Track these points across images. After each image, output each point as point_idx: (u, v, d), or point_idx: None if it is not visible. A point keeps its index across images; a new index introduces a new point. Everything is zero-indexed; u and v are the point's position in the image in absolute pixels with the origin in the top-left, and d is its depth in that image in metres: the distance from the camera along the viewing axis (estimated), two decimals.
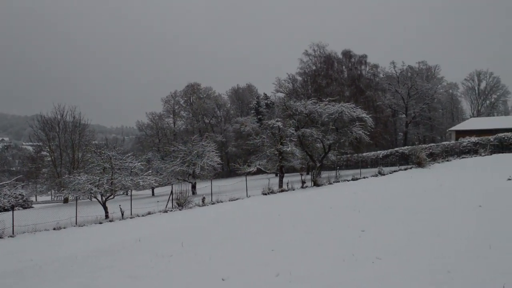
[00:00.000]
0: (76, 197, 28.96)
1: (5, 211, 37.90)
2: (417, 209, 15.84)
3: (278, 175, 39.86)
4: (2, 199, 43.51)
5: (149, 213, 27.14)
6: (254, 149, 42.81)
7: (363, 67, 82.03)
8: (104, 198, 28.44)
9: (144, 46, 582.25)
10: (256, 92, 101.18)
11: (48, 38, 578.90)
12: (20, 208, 43.82)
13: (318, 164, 39.31)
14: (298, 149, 38.66)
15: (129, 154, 37.88)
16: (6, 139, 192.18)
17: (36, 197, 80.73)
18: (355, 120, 39.18)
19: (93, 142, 69.09)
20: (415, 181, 28.66)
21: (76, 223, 24.71)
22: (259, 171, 42.85)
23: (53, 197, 76.96)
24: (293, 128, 38.29)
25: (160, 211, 27.67)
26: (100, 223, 24.96)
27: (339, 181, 35.62)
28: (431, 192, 21.09)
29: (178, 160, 46.70)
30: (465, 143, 46.85)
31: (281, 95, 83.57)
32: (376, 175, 37.18)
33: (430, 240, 10.51)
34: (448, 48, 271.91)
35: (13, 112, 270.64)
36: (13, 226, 22.27)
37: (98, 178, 28.49)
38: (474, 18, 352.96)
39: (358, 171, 41.30)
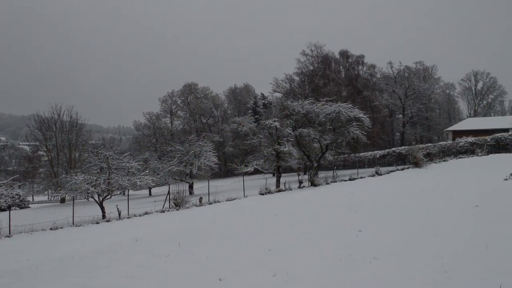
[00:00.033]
0: (73, 197, 28.90)
1: (1, 211, 37.86)
2: (414, 209, 15.86)
3: (276, 175, 39.89)
4: None
5: (146, 213, 27.11)
6: (251, 149, 42.80)
7: (360, 67, 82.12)
8: (101, 198, 28.40)
9: (144, 46, 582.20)
10: (254, 92, 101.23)
11: (48, 38, 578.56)
12: (17, 208, 43.78)
13: (316, 164, 39.31)
14: (295, 149, 38.68)
15: (126, 154, 37.81)
16: (3, 138, 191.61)
17: (33, 197, 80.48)
18: (352, 120, 39.19)
19: (90, 142, 69.01)
20: (412, 181, 28.70)
21: (73, 223, 24.69)
22: (256, 171, 42.85)
23: (50, 197, 76.84)
24: (290, 128, 38.30)
25: (157, 211, 27.64)
26: (97, 223, 24.93)
27: (336, 181, 35.64)
28: (428, 192, 21.12)
29: (175, 160, 46.66)
30: (462, 143, 46.93)
31: (279, 95, 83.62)
32: (373, 175, 37.22)
33: (427, 240, 10.52)
34: (445, 49, 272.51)
35: (10, 111, 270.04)
36: (9, 226, 22.25)
37: (95, 178, 28.46)
38: (470, 19, 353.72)
39: (355, 171, 41.35)
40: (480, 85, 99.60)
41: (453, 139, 55.16)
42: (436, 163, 41.93)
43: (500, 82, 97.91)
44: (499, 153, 42.24)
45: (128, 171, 32.74)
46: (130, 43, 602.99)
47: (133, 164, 34.10)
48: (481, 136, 47.46)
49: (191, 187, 46.48)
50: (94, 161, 33.65)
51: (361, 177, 36.49)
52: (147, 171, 39.76)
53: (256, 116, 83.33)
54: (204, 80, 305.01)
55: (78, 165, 55.28)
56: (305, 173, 44.80)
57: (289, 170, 52.10)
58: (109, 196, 29.48)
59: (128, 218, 26.03)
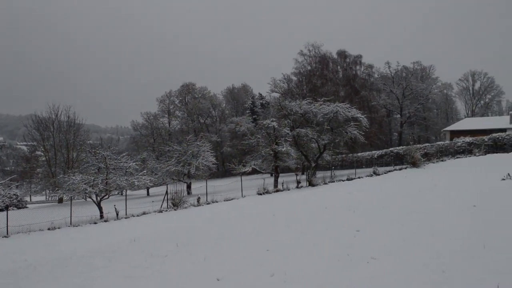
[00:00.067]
0: (71, 197, 28.88)
1: None
2: (412, 209, 15.88)
3: (273, 175, 39.88)
4: None
5: (144, 213, 27.08)
6: (249, 149, 42.79)
7: (358, 67, 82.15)
8: (99, 198, 28.36)
9: (144, 46, 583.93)
10: (251, 92, 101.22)
11: (48, 38, 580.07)
12: (15, 208, 43.70)
13: (313, 164, 39.31)
14: (293, 149, 38.68)
15: (124, 154, 37.80)
16: (1, 138, 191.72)
17: (30, 197, 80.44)
18: (350, 120, 39.19)
19: (88, 142, 68.96)
20: (409, 181, 28.72)
21: (70, 223, 24.64)
22: (254, 171, 42.85)
23: (47, 197, 76.79)
24: (288, 128, 38.28)
25: (155, 211, 27.62)
26: (95, 223, 24.90)
27: (334, 181, 35.65)
28: (426, 192, 21.14)
29: (173, 160, 46.67)
30: (459, 143, 46.98)
31: (276, 95, 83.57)
32: (371, 175, 37.24)
33: (424, 240, 10.53)
34: (442, 49, 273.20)
35: (7, 111, 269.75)
36: (7, 226, 22.20)
37: (92, 178, 28.41)
38: (467, 19, 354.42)
39: (353, 171, 41.37)
40: (477, 85, 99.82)
41: (451, 139, 55.18)
42: (433, 163, 41.97)
43: (498, 82, 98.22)
44: (496, 153, 42.29)
45: (126, 171, 32.72)
46: (130, 43, 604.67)
47: (131, 164, 34.07)
48: (479, 136, 47.51)
49: (189, 187, 46.47)
50: (92, 161, 33.63)
51: (359, 177, 36.51)
52: (145, 171, 39.75)
53: (254, 116, 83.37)
54: (204, 80, 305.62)
55: (75, 165, 55.20)
56: (303, 173, 44.79)
57: (287, 170, 52.14)
58: (107, 196, 29.44)
59: (126, 218, 26.00)
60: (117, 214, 26.35)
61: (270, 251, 10.82)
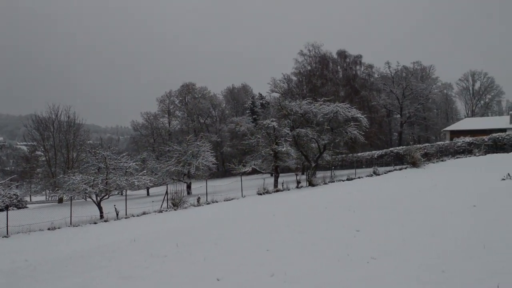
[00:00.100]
0: (71, 197, 28.91)
1: None
2: (412, 209, 15.88)
3: (273, 175, 39.89)
4: None
5: (144, 213, 27.10)
6: (249, 149, 42.77)
7: (358, 67, 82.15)
8: (98, 198, 28.37)
9: (144, 46, 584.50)
10: (251, 92, 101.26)
11: (48, 38, 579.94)
12: (15, 208, 43.69)
13: (313, 164, 39.32)
14: (293, 149, 38.69)
15: (124, 154, 37.87)
16: (1, 138, 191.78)
17: (30, 197, 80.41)
18: (350, 120, 39.20)
19: (88, 142, 68.96)
20: (409, 181, 28.73)
21: (70, 223, 24.66)
22: (254, 171, 42.86)
23: (47, 197, 76.77)
24: (288, 128, 38.29)
25: (155, 211, 27.63)
26: (95, 223, 24.92)
27: (334, 181, 35.66)
28: (426, 192, 21.14)
29: (173, 160, 46.68)
30: (459, 143, 46.97)
31: (276, 95, 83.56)
32: (371, 175, 37.24)
33: (424, 240, 10.53)
34: (442, 49, 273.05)
35: (7, 111, 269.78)
36: (7, 226, 22.22)
37: (92, 178, 28.43)
38: (468, 19, 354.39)
39: (353, 171, 41.37)
40: (477, 85, 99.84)
41: (451, 139, 55.18)
42: (433, 163, 41.97)
43: (498, 82, 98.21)
44: (496, 153, 42.29)
45: (126, 171, 32.75)
46: (130, 43, 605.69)
47: (131, 164, 34.12)
48: (479, 136, 47.52)
49: (189, 187, 46.48)
50: (92, 161, 33.66)
51: (359, 177, 36.51)
52: (145, 171, 39.79)
53: (254, 116, 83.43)
54: (204, 80, 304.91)
55: (75, 165, 55.21)
56: (303, 173, 44.80)
57: (287, 170, 52.14)
58: (107, 196, 29.45)
59: (126, 218, 26.02)
60: (117, 214, 26.37)
61: (270, 251, 10.82)
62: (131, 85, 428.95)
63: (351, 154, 52.96)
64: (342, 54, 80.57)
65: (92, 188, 27.74)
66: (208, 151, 48.28)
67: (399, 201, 18.74)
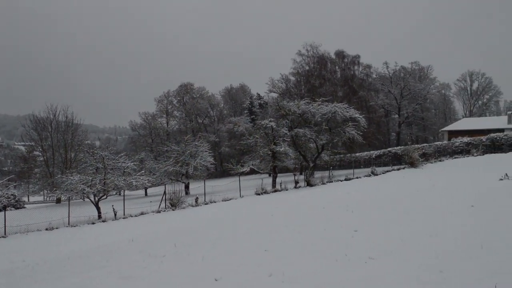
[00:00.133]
0: (69, 197, 28.88)
1: None
2: (410, 209, 15.88)
3: (272, 175, 39.88)
4: None
5: (142, 213, 27.08)
6: (247, 149, 42.77)
7: (356, 67, 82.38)
8: (96, 198, 28.35)
9: (144, 46, 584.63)
10: (250, 92, 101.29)
11: (48, 38, 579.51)
12: (12, 208, 43.64)
13: (311, 164, 39.34)
14: (291, 149, 38.70)
15: (122, 154, 37.86)
16: None
17: (28, 197, 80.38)
18: (348, 120, 39.23)
19: (86, 142, 68.91)
20: (408, 181, 28.75)
21: (68, 224, 24.63)
22: (252, 171, 42.87)
23: (45, 197, 76.65)
24: (286, 128, 38.30)
25: (153, 212, 27.61)
26: (93, 223, 24.89)
27: (332, 181, 35.67)
28: (424, 192, 21.15)
29: (171, 160, 46.65)
30: (457, 143, 47.04)
31: (275, 95, 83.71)
32: (369, 175, 37.26)
33: (422, 240, 10.53)
34: (440, 49, 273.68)
35: (5, 111, 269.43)
36: (5, 227, 22.17)
37: (90, 178, 28.41)
38: (466, 19, 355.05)
39: (351, 171, 41.39)
40: (475, 85, 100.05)
41: (449, 139, 55.29)
42: (431, 163, 42.02)
43: (496, 82, 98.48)
44: (494, 153, 42.35)
45: (124, 171, 32.74)
46: (130, 43, 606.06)
47: (128, 164, 34.12)
48: (477, 136, 47.60)
49: (187, 187, 46.47)
50: (90, 161, 33.61)
51: (357, 177, 36.53)
52: (143, 171, 39.78)
53: (252, 116, 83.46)
54: (203, 80, 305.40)
55: (73, 165, 55.16)
56: (301, 173, 44.80)
57: (285, 170, 52.13)
58: (105, 196, 29.43)
59: (124, 218, 26.00)
60: (115, 214, 26.34)
61: (268, 251, 10.82)
62: (131, 85, 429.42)
63: (349, 154, 53.02)
64: (340, 54, 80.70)
65: (90, 188, 27.72)
66: (206, 151, 48.28)
67: (397, 201, 18.74)
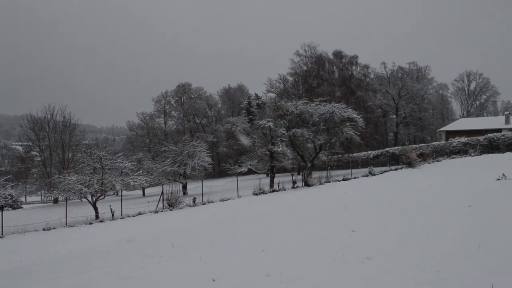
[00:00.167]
0: (66, 197, 28.82)
1: None
2: (408, 209, 15.89)
3: (269, 175, 39.90)
4: None
5: (139, 214, 27.06)
6: (245, 149, 42.77)
7: (354, 67, 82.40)
8: (94, 199, 28.32)
9: (143, 46, 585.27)
10: (247, 92, 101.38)
11: (46, 38, 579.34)
12: (10, 208, 43.57)
13: (309, 164, 39.35)
14: (289, 149, 38.70)
15: (120, 154, 37.75)
16: None
17: (25, 197, 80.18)
18: (346, 121, 39.27)
19: (84, 142, 68.81)
20: (405, 181, 28.76)
21: (66, 224, 24.61)
22: (250, 171, 42.86)
23: (43, 197, 76.63)
24: (284, 128, 38.33)
25: (150, 212, 27.58)
26: (90, 223, 24.86)
27: (330, 181, 35.68)
28: (422, 192, 21.16)
29: (169, 160, 46.61)
30: (455, 144, 47.11)
31: (272, 95, 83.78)
32: (367, 175, 37.28)
33: (420, 240, 10.54)
34: (438, 49, 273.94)
35: (3, 111, 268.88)
36: (2, 227, 22.17)
37: (88, 178, 28.38)
38: (463, 19, 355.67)
39: (349, 171, 41.44)
40: (473, 85, 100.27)
41: (446, 139, 55.37)
42: (429, 163, 42.05)
43: (494, 83, 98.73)
44: (491, 153, 42.44)
45: (122, 172, 32.68)
46: (130, 43, 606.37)
47: (126, 164, 34.04)
48: (474, 136, 47.69)
49: (184, 187, 46.44)
50: (87, 162, 33.55)
51: (354, 177, 36.54)
52: (140, 172, 39.73)
53: (250, 116, 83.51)
54: (202, 80, 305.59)
55: (71, 166, 55.12)
56: (299, 173, 44.86)
57: (283, 170, 52.12)
58: (103, 196, 29.39)
59: (121, 218, 25.97)
60: (113, 215, 26.32)
61: (265, 251, 10.81)
62: (130, 85, 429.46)
63: (347, 154, 53.06)
64: (338, 55, 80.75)
65: (88, 189, 27.69)
66: (204, 151, 48.24)
67: (395, 201, 18.75)
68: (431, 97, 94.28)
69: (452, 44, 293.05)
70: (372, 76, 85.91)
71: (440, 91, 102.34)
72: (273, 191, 33.23)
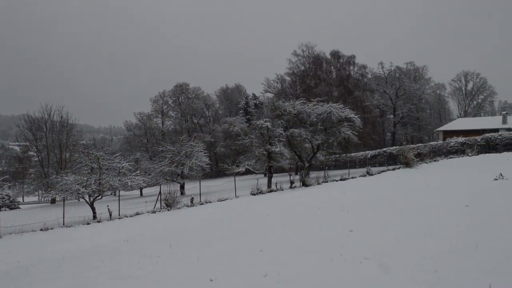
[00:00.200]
0: (64, 197, 28.75)
1: None
2: (405, 209, 15.91)
3: (267, 175, 39.86)
4: None
5: (137, 214, 27.02)
6: (242, 149, 42.75)
7: (351, 67, 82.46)
8: (92, 199, 28.27)
9: (142, 46, 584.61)
10: (245, 92, 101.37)
11: (44, 38, 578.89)
12: (7, 208, 43.48)
13: (307, 164, 39.36)
14: (287, 149, 38.70)
15: (117, 154, 37.73)
16: None
17: (23, 197, 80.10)
18: (344, 121, 39.28)
19: (81, 142, 68.70)
20: (403, 181, 28.80)
21: (63, 224, 24.55)
22: (247, 171, 42.83)
23: (40, 197, 76.51)
24: (281, 128, 38.33)
25: (148, 212, 27.55)
26: (88, 223, 24.81)
27: (327, 181, 35.69)
28: (419, 192, 21.20)
29: (166, 160, 46.58)
30: (452, 143, 47.14)
31: (270, 95, 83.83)
32: (365, 175, 37.30)
33: (417, 240, 10.56)
34: (435, 49, 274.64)
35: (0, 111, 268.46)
36: None
37: (85, 178, 28.32)
38: (461, 20, 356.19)
39: (346, 171, 41.45)
40: (470, 85, 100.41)
41: (444, 139, 55.43)
42: (426, 163, 42.09)
43: (490, 83, 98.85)
44: (489, 153, 42.48)
45: (119, 172, 32.64)
46: (130, 43, 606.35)
47: (124, 164, 34.00)
48: (472, 136, 47.73)
49: (182, 187, 46.41)
50: (85, 162, 33.50)
51: (352, 177, 36.56)
52: (138, 172, 39.66)
53: (247, 116, 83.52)
54: (204, 80, 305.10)
55: (68, 166, 55.03)
56: (296, 173, 44.84)
57: (281, 170, 52.14)
58: (100, 196, 29.35)
59: (119, 218, 25.93)
60: (110, 215, 26.28)
61: (263, 251, 10.81)
62: (130, 85, 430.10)
63: (344, 154, 53.04)
64: (335, 55, 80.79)
65: (85, 189, 27.63)
66: (201, 151, 48.23)
67: (392, 201, 18.77)
68: (428, 97, 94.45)
69: (452, 44, 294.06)
70: (369, 76, 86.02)
71: (438, 91, 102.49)
72: (271, 191, 33.22)
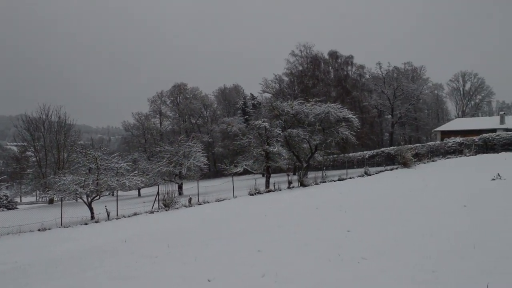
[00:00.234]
0: (61, 198, 28.71)
1: None
2: (403, 209, 15.92)
3: (265, 175, 39.84)
4: None
5: (135, 214, 26.97)
6: (240, 149, 42.70)
7: (349, 67, 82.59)
8: (89, 199, 28.22)
9: (141, 46, 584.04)
10: (243, 93, 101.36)
11: (44, 38, 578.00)
12: (4, 209, 43.44)
13: (305, 165, 39.36)
14: (285, 149, 38.69)
15: (115, 155, 37.68)
16: None
17: (20, 198, 79.91)
18: (342, 121, 39.28)
19: (79, 142, 68.60)
20: (401, 181, 28.82)
21: (61, 224, 24.51)
22: (245, 172, 42.82)
23: (38, 198, 76.30)
24: (279, 129, 38.31)
25: (146, 212, 27.51)
26: (86, 224, 24.77)
27: (325, 182, 35.69)
28: (417, 192, 21.22)
29: (164, 160, 46.53)
30: (450, 144, 47.23)
31: (268, 95, 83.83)
32: (363, 176, 37.33)
33: (415, 240, 10.56)
34: (433, 50, 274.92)
35: None
36: None
37: (83, 178, 28.28)
38: (459, 20, 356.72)
39: (344, 171, 41.47)
40: (468, 85, 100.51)
41: (442, 140, 55.52)
42: (424, 163, 42.15)
43: (488, 83, 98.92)
44: (486, 153, 42.58)
45: (117, 172, 32.62)
46: (130, 43, 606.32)
47: (122, 164, 33.99)
48: (469, 136, 47.83)
49: (180, 187, 46.36)
50: (83, 162, 33.46)
51: (350, 178, 36.58)
52: (136, 172, 39.61)
53: (245, 117, 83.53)
54: (204, 80, 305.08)
55: (66, 166, 54.95)
56: (294, 174, 44.81)
57: (279, 170, 52.13)
58: (98, 197, 29.30)
59: (117, 219, 25.89)
60: (108, 215, 26.24)
61: (261, 251, 10.81)
62: (130, 85, 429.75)
63: (342, 155, 53.11)
64: (333, 55, 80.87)
65: (83, 189, 27.59)
66: (199, 151, 48.21)
67: (390, 201, 18.78)
68: (426, 97, 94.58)
69: (452, 44, 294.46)
70: (367, 76, 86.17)
71: (435, 91, 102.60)
72: (269, 191, 33.21)
